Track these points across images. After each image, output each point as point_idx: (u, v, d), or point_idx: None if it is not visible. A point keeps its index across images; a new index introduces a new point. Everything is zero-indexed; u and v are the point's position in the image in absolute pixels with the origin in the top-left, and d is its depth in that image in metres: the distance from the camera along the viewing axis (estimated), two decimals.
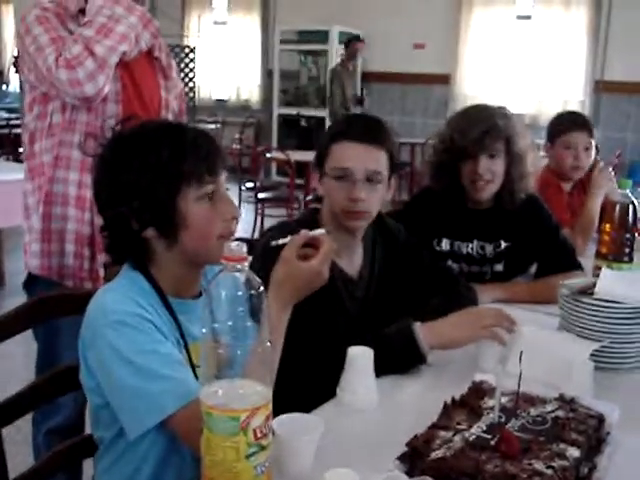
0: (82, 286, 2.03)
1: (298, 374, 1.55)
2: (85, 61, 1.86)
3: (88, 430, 1.47)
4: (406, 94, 9.82)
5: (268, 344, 0.99)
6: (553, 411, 1.30)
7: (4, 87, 12.08)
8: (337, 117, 8.18)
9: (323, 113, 9.63)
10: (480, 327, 1.61)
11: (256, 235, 5.95)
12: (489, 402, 1.31)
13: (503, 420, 1.25)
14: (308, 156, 5.56)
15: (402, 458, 1.16)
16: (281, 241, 1.38)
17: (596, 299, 1.72)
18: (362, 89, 8.89)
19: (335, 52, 9.58)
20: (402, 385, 1.57)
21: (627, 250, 2.06)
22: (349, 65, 8.71)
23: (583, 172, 2.97)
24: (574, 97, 8.63)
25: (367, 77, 10.03)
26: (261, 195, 6.51)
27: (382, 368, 1.51)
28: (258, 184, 6.54)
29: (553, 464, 1.11)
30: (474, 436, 1.20)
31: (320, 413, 1.37)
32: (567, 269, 2.21)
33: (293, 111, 10.05)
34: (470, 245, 2.27)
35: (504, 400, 1.30)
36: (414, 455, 1.16)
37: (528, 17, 8.93)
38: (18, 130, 7.93)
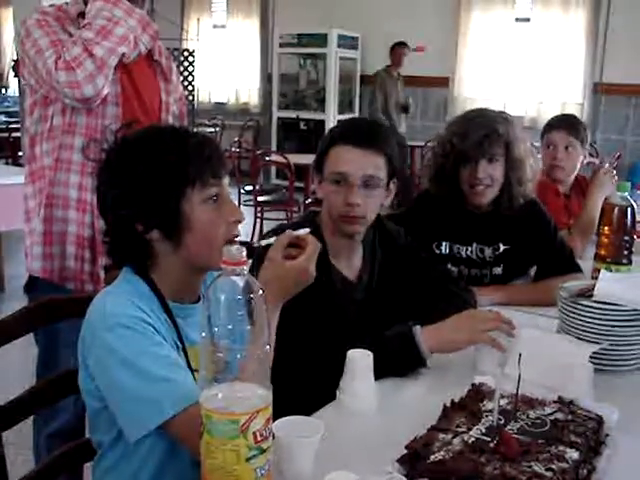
0: (83, 289, 2.03)
1: (298, 377, 1.55)
2: (84, 62, 1.86)
3: (89, 434, 1.47)
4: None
5: (267, 347, 0.99)
6: (552, 413, 1.30)
7: (3, 91, 12.11)
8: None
9: (322, 116, 9.65)
10: (479, 331, 1.62)
11: (256, 238, 5.96)
12: (488, 405, 1.31)
13: (502, 422, 1.25)
14: (307, 159, 5.57)
15: (402, 460, 1.17)
16: (264, 242, 1.39)
17: (595, 301, 1.72)
18: (407, 96, 8.50)
19: (334, 55, 9.60)
20: (401, 388, 1.57)
21: (626, 252, 2.06)
22: (393, 71, 8.39)
23: (565, 172, 2.99)
24: (573, 99, 8.64)
25: (366, 80, 10.04)
26: (261, 198, 6.52)
27: (382, 371, 1.51)
28: (257, 187, 6.54)
29: (552, 466, 1.12)
30: (473, 438, 1.20)
31: (320, 416, 1.37)
32: (566, 272, 2.21)
33: (292, 114, 10.06)
34: (469, 248, 2.28)
35: (503, 402, 1.31)
36: (413, 457, 1.16)
37: (527, 20, 8.94)
38: (17, 134, 7.93)
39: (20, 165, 2.04)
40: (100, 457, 1.39)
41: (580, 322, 1.71)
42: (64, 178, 2.00)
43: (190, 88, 10.06)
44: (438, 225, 2.25)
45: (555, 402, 1.35)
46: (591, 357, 1.57)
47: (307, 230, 1.41)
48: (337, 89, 9.82)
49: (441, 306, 1.80)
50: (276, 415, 1.07)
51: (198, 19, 11.26)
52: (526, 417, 1.28)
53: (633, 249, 2.09)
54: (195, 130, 1.47)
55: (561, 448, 1.17)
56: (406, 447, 1.18)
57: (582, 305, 1.72)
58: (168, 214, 1.32)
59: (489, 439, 1.19)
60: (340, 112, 9.75)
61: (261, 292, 0.98)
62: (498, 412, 1.26)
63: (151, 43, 2.07)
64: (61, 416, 2.05)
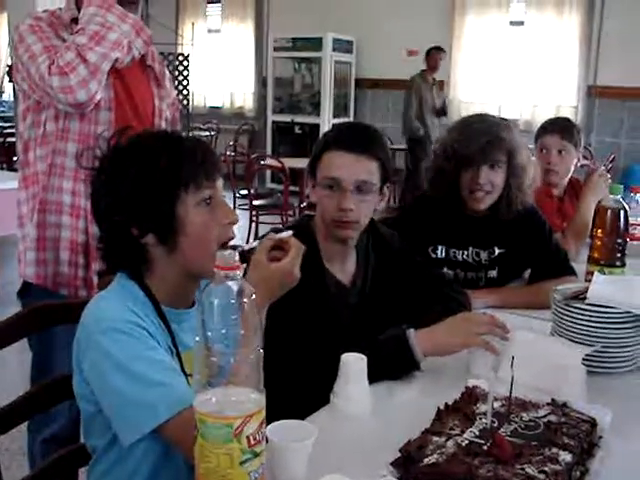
0: (77, 294, 2.03)
1: (292, 381, 1.56)
2: (77, 68, 1.86)
3: (83, 439, 1.47)
4: (400, 101, 9.83)
5: (261, 351, 0.99)
6: (545, 416, 1.30)
7: None
8: (412, 130, 7.95)
9: (317, 120, 9.66)
10: (473, 334, 1.62)
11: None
12: (482, 407, 1.32)
13: (496, 425, 1.25)
14: (302, 163, 5.57)
15: (395, 464, 1.17)
16: (247, 246, 1.40)
17: (588, 304, 1.72)
18: (444, 99, 8.43)
19: (329, 59, 9.61)
20: (395, 391, 1.57)
21: (619, 255, 2.07)
22: (429, 76, 8.22)
23: (558, 176, 3.00)
24: (567, 102, 8.67)
25: (360, 84, 10.07)
26: (255, 202, 6.52)
27: (376, 374, 1.51)
28: (252, 191, 6.54)
29: (545, 469, 1.12)
30: (467, 441, 1.20)
31: (314, 420, 1.37)
32: (560, 274, 2.22)
33: (287, 118, 10.08)
34: (466, 252, 2.28)
35: (497, 405, 1.31)
36: (407, 461, 1.16)
37: (521, 23, 8.98)
38: (12, 139, 7.93)
39: (15, 170, 2.04)
40: (95, 461, 1.39)
41: (573, 324, 1.72)
42: (57, 184, 2.00)
43: (185, 92, 10.08)
44: (435, 229, 2.25)
45: (548, 404, 1.35)
46: (584, 359, 1.58)
47: (290, 233, 1.42)
48: (332, 93, 9.84)
49: (435, 309, 1.80)
50: (270, 419, 1.07)
51: (193, 23, 11.29)
52: (519, 420, 1.28)
53: (626, 252, 2.10)
54: (188, 134, 1.48)
55: (554, 450, 1.18)
56: (400, 450, 1.18)
57: (575, 307, 1.73)
58: (162, 217, 1.32)
59: (483, 442, 1.19)
60: (335, 116, 9.76)
61: (254, 296, 0.99)
62: (492, 415, 1.26)
63: (145, 48, 2.07)
64: (56, 421, 2.05)
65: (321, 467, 1.16)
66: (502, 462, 1.13)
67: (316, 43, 9.67)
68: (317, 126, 9.54)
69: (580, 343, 1.68)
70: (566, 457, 1.16)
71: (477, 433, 1.23)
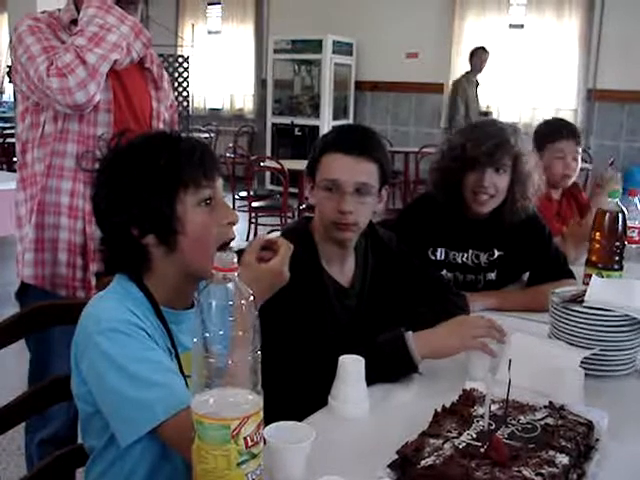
0: (75, 295, 2.03)
1: (289, 383, 1.56)
2: (76, 69, 1.87)
3: (81, 440, 1.47)
4: (399, 103, 9.86)
5: (259, 352, 0.99)
6: (543, 418, 1.30)
7: None
8: None
9: (317, 122, 9.66)
10: (471, 337, 1.62)
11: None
12: (479, 410, 1.32)
13: (493, 428, 1.25)
14: (302, 165, 5.56)
15: (393, 466, 1.17)
16: (236, 247, 1.41)
17: (586, 307, 1.73)
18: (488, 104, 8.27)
19: (329, 61, 9.62)
20: (393, 393, 1.57)
21: (617, 258, 2.07)
22: (473, 77, 8.07)
23: (571, 181, 2.98)
24: (567, 105, 8.66)
25: (360, 86, 10.07)
26: (255, 204, 6.52)
27: (373, 376, 1.51)
28: (252, 193, 6.55)
29: (542, 471, 1.12)
30: (464, 443, 1.20)
31: (311, 421, 1.37)
32: (558, 277, 2.22)
33: (287, 120, 10.07)
34: (465, 254, 2.28)
35: (494, 408, 1.31)
36: (404, 463, 1.16)
37: (521, 26, 8.98)
38: (13, 139, 7.92)
39: (15, 171, 2.05)
40: (92, 462, 1.39)
41: (571, 327, 1.72)
42: (56, 185, 2.01)
43: (185, 94, 10.09)
44: (435, 231, 2.25)
45: (546, 407, 1.35)
46: (582, 362, 1.58)
47: (278, 234, 1.44)
48: (332, 95, 9.83)
49: (433, 312, 1.81)
50: (267, 421, 1.07)
51: (193, 25, 11.29)
52: (517, 422, 1.28)
53: (624, 255, 2.10)
54: (188, 135, 1.49)
55: (551, 453, 1.18)
56: (397, 452, 1.19)
57: (573, 310, 1.73)
58: (162, 218, 1.33)
59: (480, 444, 1.19)
60: (335, 118, 9.76)
61: (252, 298, 0.99)
62: (489, 417, 1.26)
63: (143, 50, 2.08)
64: (53, 423, 2.05)
65: (319, 469, 1.16)
66: (499, 465, 1.13)
67: (316, 45, 9.67)
68: (317, 128, 9.54)
69: (578, 346, 1.69)
70: (563, 460, 1.16)
71: (474, 435, 1.23)
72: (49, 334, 1.82)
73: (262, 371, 1.00)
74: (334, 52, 9.68)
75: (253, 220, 6.49)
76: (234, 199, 6.62)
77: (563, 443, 1.21)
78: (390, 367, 1.60)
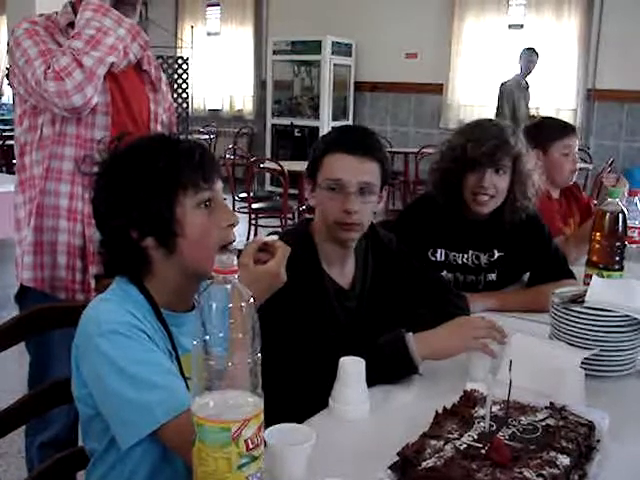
0: (74, 298, 2.03)
1: (290, 385, 1.56)
2: (73, 72, 1.86)
3: (81, 442, 1.47)
4: (399, 104, 9.86)
5: (259, 355, 0.99)
6: (544, 419, 1.30)
7: None
8: None
9: (316, 123, 9.67)
10: (471, 337, 1.62)
11: None
12: (480, 411, 1.32)
13: (494, 429, 1.25)
14: (302, 166, 5.56)
15: (393, 467, 1.17)
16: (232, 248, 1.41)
17: (587, 307, 1.72)
18: (537, 107, 7.90)
19: (329, 62, 9.62)
20: (393, 395, 1.56)
21: (617, 258, 2.07)
22: (522, 80, 7.72)
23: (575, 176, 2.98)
24: (566, 105, 8.67)
25: (359, 87, 10.08)
26: (255, 205, 6.52)
27: (374, 378, 1.51)
28: (252, 194, 6.54)
29: (543, 472, 1.12)
30: (465, 445, 1.20)
31: (312, 423, 1.37)
32: (558, 278, 2.22)
33: (286, 121, 10.08)
34: (465, 255, 2.28)
35: (495, 409, 1.31)
36: (405, 464, 1.16)
37: (520, 26, 8.99)
38: (12, 142, 7.92)
39: (14, 173, 2.04)
40: (93, 464, 1.39)
41: (572, 328, 1.72)
42: (54, 187, 2.00)
43: (184, 95, 10.09)
44: (435, 232, 2.25)
45: (547, 408, 1.35)
46: (583, 363, 1.58)
47: (275, 237, 1.43)
48: (331, 96, 9.84)
49: (433, 313, 1.81)
50: (268, 423, 1.07)
51: (192, 27, 11.29)
52: (518, 423, 1.28)
53: (625, 255, 2.10)
54: (186, 137, 1.49)
55: (552, 454, 1.18)
56: (398, 454, 1.18)
57: (574, 311, 1.73)
58: (161, 220, 1.33)
59: (481, 445, 1.19)
60: (334, 119, 9.77)
61: (252, 300, 0.99)
62: (490, 418, 1.26)
63: (141, 52, 2.07)
64: (53, 425, 2.05)
65: (319, 471, 1.16)
66: (500, 466, 1.13)
67: (315, 46, 9.68)
68: (316, 129, 9.55)
69: (578, 346, 1.69)
70: (564, 460, 1.16)
71: (475, 437, 1.22)
72: (49, 337, 1.82)
73: (262, 373, 1.00)
74: (333, 53, 9.69)
75: (253, 222, 6.49)
76: (234, 201, 6.61)
77: (564, 444, 1.21)
78: (390, 368, 1.60)
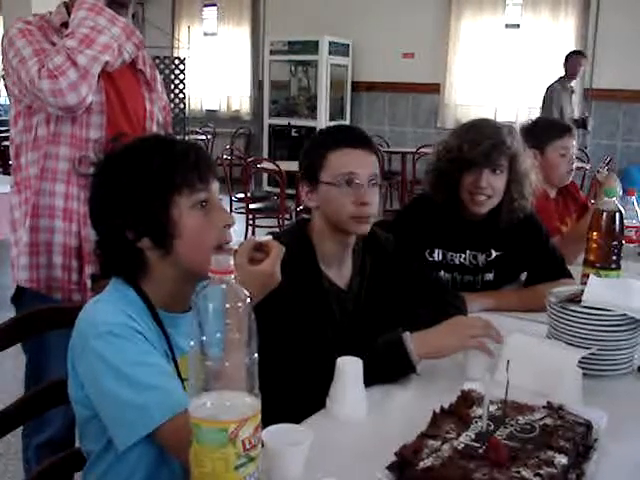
0: (70, 298, 2.03)
1: (288, 385, 1.56)
2: (67, 71, 1.86)
3: (78, 444, 1.47)
4: (396, 103, 9.87)
5: (256, 355, 0.99)
6: (541, 419, 1.30)
7: None
8: None
9: (314, 123, 9.66)
10: (468, 336, 1.62)
11: None
12: (478, 411, 1.31)
13: (491, 428, 1.25)
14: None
15: (391, 467, 1.16)
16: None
17: (584, 307, 1.72)
18: (585, 110, 7.68)
19: (325, 62, 9.62)
20: (391, 395, 1.56)
21: (615, 258, 2.07)
22: (568, 83, 7.42)
23: (571, 177, 2.98)
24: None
25: (356, 87, 10.08)
26: (252, 206, 6.51)
27: (372, 378, 1.51)
28: (249, 195, 6.54)
29: (541, 472, 1.12)
30: (462, 445, 1.20)
31: (309, 424, 1.37)
32: (556, 277, 2.22)
33: (284, 121, 10.08)
34: (463, 255, 2.28)
35: (492, 408, 1.31)
36: (403, 464, 1.16)
37: (517, 26, 9.00)
38: (7, 143, 7.91)
39: (10, 174, 2.04)
40: (90, 466, 1.39)
41: (569, 327, 1.72)
42: (50, 188, 2.00)
43: (181, 96, 10.08)
44: (432, 232, 2.25)
45: (544, 407, 1.35)
46: (580, 362, 1.58)
47: (270, 237, 1.44)
48: (328, 96, 9.84)
49: (431, 313, 1.80)
50: (265, 423, 1.07)
51: (189, 27, 11.29)
52: (515, 423, 1.28)
53: (622, 254, 2.10)
54: (183, 137, 1.49)
55: (550, 453, 1.18)
56: (396, 454, 1.18)
57: (571, 310, 1.73)
58: (157, 221, 1.32)
59: (478, 445, 1.19)
60: (331, 119, 9.77)
61: (249, 300, 0.98)
62: (487, 418, 1.26)
63: (135, 52, 2.07)
64: (50, 427, 2.05)
65: (317, 471, 1.16)
66: (498, 465, 1.13)
67: (312, 46, 9.68)
68: (313, 129, 9.48)
69: (576, 346, 1.68)
70: (562, 460, 1.16)
71: (473, 436, 1.22)
72: (46, 338, 1.82)
73: (260, 373, 1.00)
74: (330, 53, 9.69)
75: (250, 222, 6.48)
76: (231, 201, 6.61)
77: (562, 443, 1.21)
78: (388, 368, 1.60)
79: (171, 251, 1.34)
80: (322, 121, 9.70)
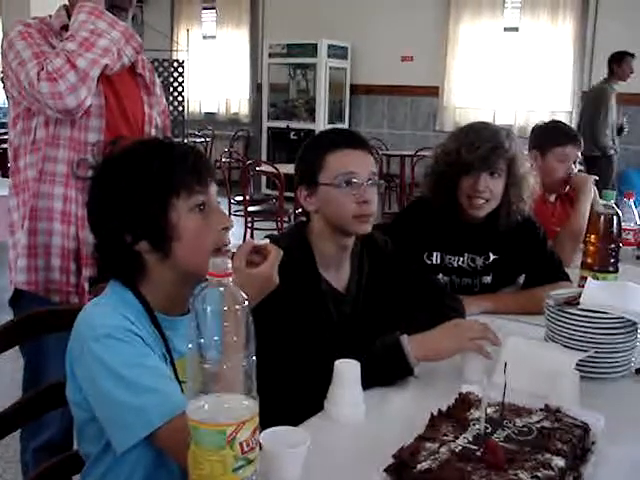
0: (68, 300, 2.03)
1: (286, 387, 1.56)
2: (67, 74, 1.86)
3: (76, 446, 1.47)
4: (394, 106, 9.87)
5: (254, 358, 0.99)
6: (539, 421, 1.30)
7: None
8: (604, 147, 6.82)
9: (312, 126, 9.67)
10: (466, 339, 1.62)
11: None
12: (475, 413, 1.31)
13: (489, 431, 1.25)
14: None
15: (389, 470, 1.17)
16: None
17: (581, 309, 1.73)
18: (623, 115, 7.20)
19: (324, 65, 9.63)
20: (389, 397, 1.56)
21: (612, 260, 2.08)
22: (615, 86, 7.03)
23: (567, 187, 2.98)
24: (561, 107, 8.70)
25: (355, 89, 10.08)
26: (251, 208, 6.51)
27: (369, 380, 1.51)
28: (247, 197, 6.54)
29: (538, 474, 1.12)
30: (460, 447, 1.20)
31: (307, 426, 1.37)
32: (554, 280, 2.22)
33: (282, 124, 10.09)
34: (461, 258, 2.28)
35: (490, 411, 1.31)
36: (401, 467, 1.16)
37: (515, 29, 9.02)
38: (6, 145, 7.91)
39: (8, 177, 2.03)
40: (88, 468, 1.39)
41: (567, 330, 1.72)
42: (48, 190, 2.00)
43: (180, 99, 10.09)
44: (430, 235, 2.25)
45: (542, 410, 1.35)
46: (578, 365, 1.58)
47: (267, 240, 1.44)
48: (327, 99, 9.85)
49: (429, 316, 1.80)
50: (263, 425, 1.07)
51: (188, 30, 11.29)
52: (513, 425, 1.28)
53: (619, 257, 2.11)
54: (182, 140, 1.50)
55: (547, 456, 1.18)
56: (393, 456, 1.18)
57: (569, 313, 1.73)
58: (155, 224, 1.33)
59: (476, 448, 1.19)
60: (330, 122, 9.78)
61: (246, 303, 0.99)
62: (485, 421, 1.26)
63: (135, 56, 2.07)
64: (48, 429, 2.04)
65: (315, 473, 1.16)
66: (495, 468, 1.13)
67: (311, 49, 9.70)
68: (312, 132, 9.49)
69: (573, 348, 1.69)
70: (559, 462, 1.16)
71: (470, 439, 1.22)
72: (44, 340, 1.82)
73: (258, 376, 1.00)
74: (329, 56, 9.70)
75: (249, 225, 6.48)
76: (230, 204, 6.61)
77: (559, 446, 1.21)
78: (386, 371, 1.60)
79: (169, 254, 1.35)
80: (321, 124, 9.70)
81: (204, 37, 11.47)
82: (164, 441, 1.22)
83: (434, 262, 2.27)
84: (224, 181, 6.55)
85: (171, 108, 9.32)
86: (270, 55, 10.11)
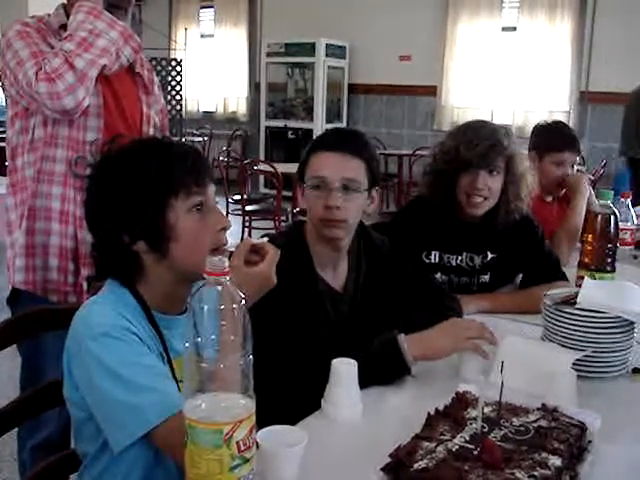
0: (66, 300, 2.03)
1: (283, 387, 1.56)
2: (65, 74, 1.86)
3: (73, 445, 1.47)
4: (392, 106, 9.87)
5: (251, 357, 0.99)
6: (536, 421, 1.30)
7: None
8: (634, 149, 6.17)
9: (310, 125, 9.67)
10: (463, 338, 1.63)
11: None
12: (472, 412, 1.32)
13: (486, 430, 1.25)
14: (295, 168, 5.52)
15: (386, 469, 1.17)
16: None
17: (578, 309, 1.73)
18: None
19: (322, 64, 9.63)
20: (386, 396, 1.56)
21: (609, 260, 2.08)
22: None
23: (563, 191, 2.99)
24: (559, 107, 8.70)
25: (353, 89, 10.09)
26: (248, 207, 6.51)
27: (367, 379, 1.51)
28: (245, 196, 6.54)
29: (535, 473, 1.12)
30: (457, 446, 1.20)
31: (304, 425, 1.37)
32: (551, 280, 2.22)
33: (280, 123, 10.09)
34: (460, 257, 2.28)
35: (487, 410, 1.31)
36: (397, 466, 1.16)
37: (513, 29, 9.02)
38: (4, 144, 7.89)
39: (5, 175, 2.03)
40: (85, 467, 1.39)
41: (564, 329, 1.72)
42: (46, 190, 2.00)
43: (178, 97, 10.09)
44: (428, 234, 2.25)
45: (539, 409, 1.35)
46: (574, 364, 1.58)
47: (265, 239, 1.44)
48: (325, 98, 9.85)
49: (426, 315, 1.80)
50: (260, 424, 1.07)
51: (186, 29, 11.29)
52: (510, 424, 1.28)
53: (616, 257, 2.11)
54: (180, 139, 1.50)
55: (544, 455, 1.18)
56: (390, 455, 1.18)
57: (566, 312, 1.73)
58: (153, 224, 1.33)
59: (473, 447, 1.19)
60: (328, 121, 9.78)
61: (244, 302, 0.99)
62: (482, 420, 1.26)
63: (133, 55, 2.07)
64: (46, 428, 2.04)
65: (312, 472, 1.16)
66: (492, 467, 1.13)
67: (309, 48, 9.69)
68: (310, 131, 9.55)
69: (570, 348, 1.69)
70: (556, 462, 1.16)
71: (467, 438, 1.23)
72: (41, 339, 1.82)
73: (255, 375, 1.00)
74: (327, 55, 9.70)
75: (247, 224, 6.48)
76: (227, 203, 6.61)
77: (556, 445, 1.21)
78: (383, 370, 1.60)
79: (167, 254, 1.35)
80: (319, 123, 9.71)
81: (202, 36, 11.47)
82: (161, 440, 1.22)
83: (433, 261, 2.27)
84: (222, 180, 6.56)
85: (169, 107, 9.32)
86: (268, 54, 10.12)
